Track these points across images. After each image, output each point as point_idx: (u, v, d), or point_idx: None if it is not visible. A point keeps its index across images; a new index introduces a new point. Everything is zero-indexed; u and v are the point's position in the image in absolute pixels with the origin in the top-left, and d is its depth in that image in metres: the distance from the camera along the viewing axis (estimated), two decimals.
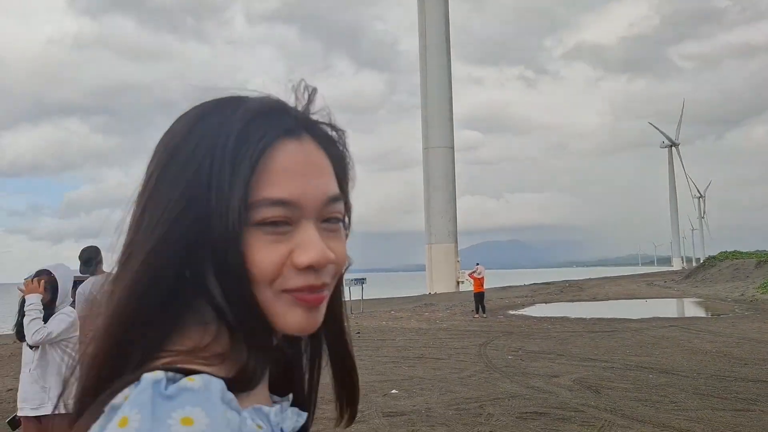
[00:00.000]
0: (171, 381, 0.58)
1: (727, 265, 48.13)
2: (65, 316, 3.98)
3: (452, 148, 47.22)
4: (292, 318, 0.66)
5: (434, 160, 46.21)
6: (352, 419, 0.83)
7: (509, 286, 50.72)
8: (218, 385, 0.60)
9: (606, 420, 6.65)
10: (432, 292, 42.74)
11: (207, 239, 0.63)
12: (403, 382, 9.25)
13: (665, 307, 25.42)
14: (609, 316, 20.68)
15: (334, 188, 0.69)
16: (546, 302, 30.26)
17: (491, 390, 8.39)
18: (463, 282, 44.80)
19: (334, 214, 0.69)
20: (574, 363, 10.69)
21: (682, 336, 14.26)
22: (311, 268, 0.65)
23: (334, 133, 0.73)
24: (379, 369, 10.51)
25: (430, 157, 46.39)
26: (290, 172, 0.65)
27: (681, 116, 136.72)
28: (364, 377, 9.68)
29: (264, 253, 0.64)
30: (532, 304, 29.03)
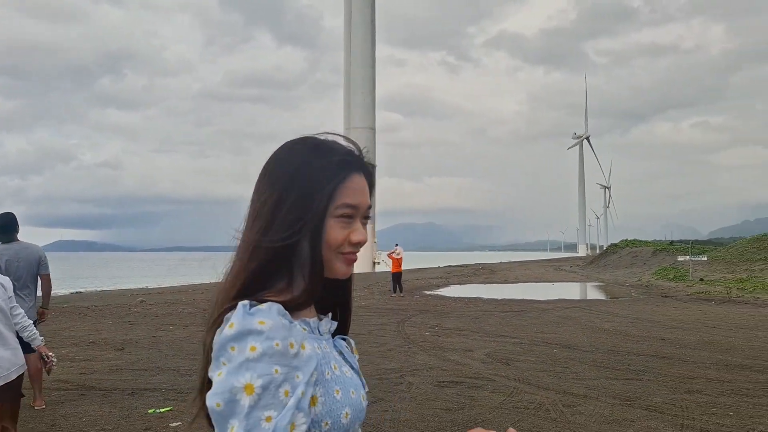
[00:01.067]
0: (253, 305, 1.11)
1: (626, 253, 51.22)
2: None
3: (374, 129, 47.60)
4: (341, 269, 1.22)
5: (355, 140, 46.41)
6: (347, 329, 1.35)
7: (425, 268, 51.98)
8: (277, 306, 1.12)
9: (515, 387, 7.30)
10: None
11: (310, 223, 1.17)
12: None
13: (570, 290, 27.01)
14: (519, 298, 21.82)
15: (370, 201, 1.25)
16: (460, 284, 31.39)
17: (410, 362, 8.92)
18: (379, 263, 45.56)
19: (368, 215, 1.25)
20: (486, 339, 11.42)
21: (583, 316, 15.37)
22: (359, 243, 1.21)
23: (372, 169, 1.29)
24: None
25: (352, 137, 46.51)
26: (356, 190, 1.21)
27: (586, 110, 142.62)
28: None
29: (338, 233, 1.19)
30: (447, 285, 30.05)
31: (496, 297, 21.74)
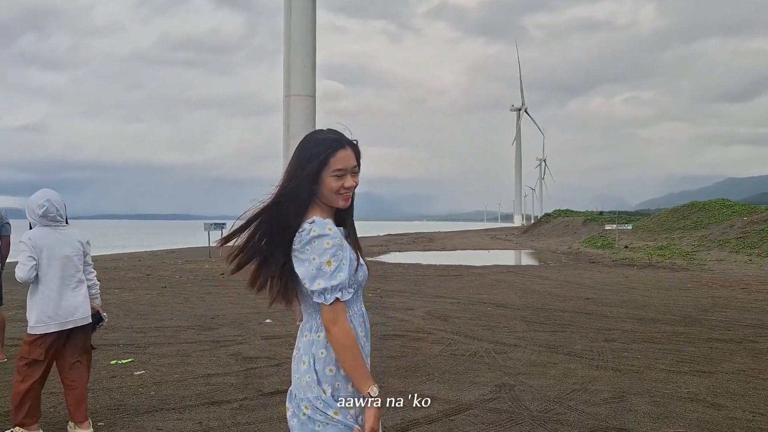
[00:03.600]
0: (318, 220, 2.02)
1: (559, 222, 53.23)
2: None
3: (314, 96, 47.40)
4: (341, 203, 2.10)
5: (295, 108, 45.95)
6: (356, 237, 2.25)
7: (364, 237, 52.65)
8: (329, 220, 2.06)
9: (452, 339, 7.98)
10: None
11: (309, 176, 2.04)
12: (275, 313, 10.09)
13: (504, 257, 28.20)
14: (456, 264, 22.74)
15: (355, 162, 2.09)
16: (400, 251, 32.21)
17: None
18: None
19: (356, 171, 2.10)
20: (426, 299, 12.12)
21: (516, 280, 16.32)
22: (350, 187, 2.09)
23: (356, 143, 2.12)
24: (250, 304, 11.26)
25: (291, 104, 46.32)
26: (342, 159, 2.06)
27: (521, 82, 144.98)
28: (237, 310, 10.43)
29: (334, 183, 2.06)
30: (387, 252, 30.80)
31: (434, 263, 22.58)
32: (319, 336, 2.04)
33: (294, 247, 2.00)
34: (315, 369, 2.02)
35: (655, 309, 10.82)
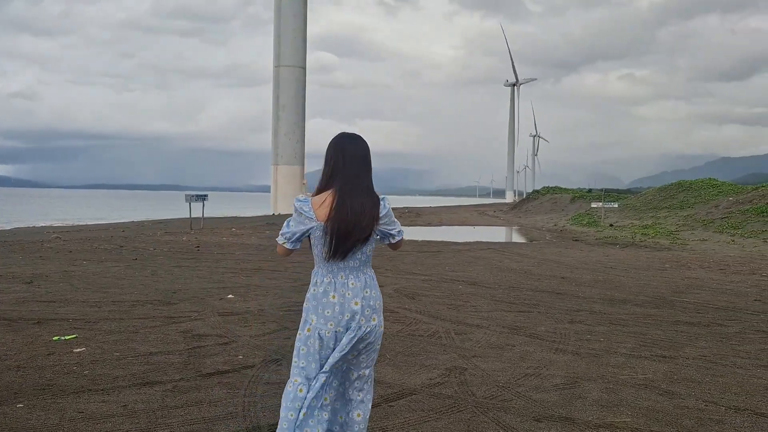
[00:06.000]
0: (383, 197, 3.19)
1: (547, 199, 53.11)
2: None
3: (304, 68, 46.72)
4: None
5: (285, 79, 45.52)
6: None
7: None
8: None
9: (414, 318, 7.78)
10: (276, 213, 43.17)
11: (333, 167, 3.03)
12: (240, 288, 9.88)
13: (488, 234, 28.02)
14: (438, 240, 22.55)
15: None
16: None
17: None
18: None
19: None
20: (398, 276, 11.92)
21: (495, 257, 16.14)
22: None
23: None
24: (216, 278, 11.04)
25: (281, 75, 45.66)
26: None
27: (511, 58, 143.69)
28: (202, 284, 10.19)
29: None
30: None
31: (416, 239, 22.36)
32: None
33: None
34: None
35: (628, 290, 10.66)
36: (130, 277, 10.92)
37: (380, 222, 2.98)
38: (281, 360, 5.65)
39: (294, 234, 2.96)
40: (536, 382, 5.18)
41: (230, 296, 9.12)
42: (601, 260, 15.89)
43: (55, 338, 6.27)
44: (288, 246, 2.99)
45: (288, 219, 3.02)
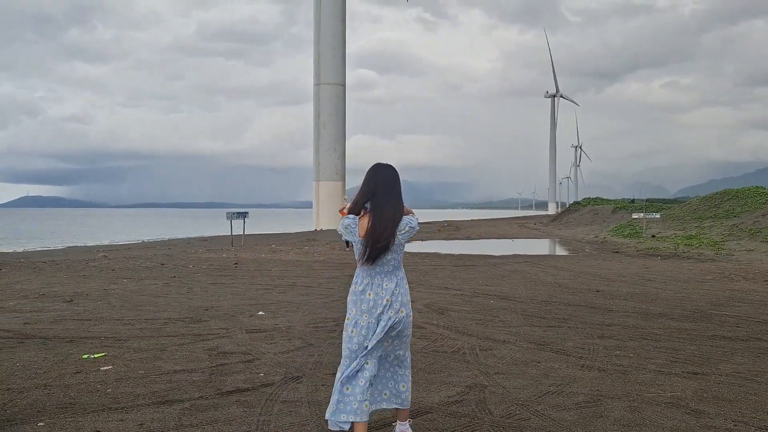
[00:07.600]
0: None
1: (588, 210, 52.20)
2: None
3: (344, 85, 47.28)
4: None
5: (325, 96, 46.13)
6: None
7: None
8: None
9: (441, 334, 7.72)
10: (318, 229, 43.50)
11: (368, 193, 3.93)
12: (271, 305, 9.97)
13: (526, 246, 27.67)
14: (475, 253, 22.37)
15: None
16: (422, 240, 31.90)
17: None
18: None
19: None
20: (430, 291, 11.86)
21: (530, 270, 15.92)
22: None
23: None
24: (250, 295, 11.17)
25: (321, 93, 46.28)
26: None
27: (553, 68, 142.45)
28: (234, 301, 10.32)
29: None
30: (409, 241, 30.52)
31: (453, 252, 22.24)
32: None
33: None
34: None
35: (665, 303, 10.37)
36: (165, 295, 11.13)
37: (399, 234, 3.91)
38: (301, 377, 5.67)
39: (344, 238, 4.02)
40: (557, 400, 5.07)
41: (261, 313, 9.21)
42: (640, 272, 15.51)
43: (85, 356, 6.42)
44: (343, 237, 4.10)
45: (343, 222, 3.94)
